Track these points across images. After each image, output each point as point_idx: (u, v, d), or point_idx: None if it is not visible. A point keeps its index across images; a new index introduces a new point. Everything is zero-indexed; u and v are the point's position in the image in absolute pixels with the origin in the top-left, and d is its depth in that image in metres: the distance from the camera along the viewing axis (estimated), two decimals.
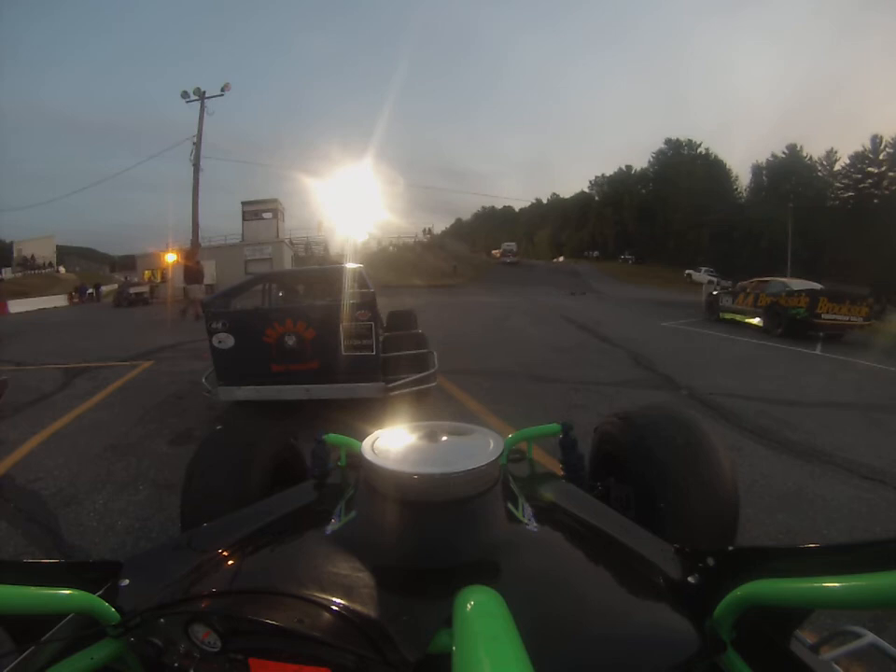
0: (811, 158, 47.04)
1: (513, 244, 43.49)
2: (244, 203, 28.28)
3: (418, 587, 0.60)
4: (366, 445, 0.76)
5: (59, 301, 24.60)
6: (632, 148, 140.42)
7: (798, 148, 47.65)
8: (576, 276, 32.48)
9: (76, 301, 25.81)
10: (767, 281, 10.77)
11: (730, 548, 0.62)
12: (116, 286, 25.20)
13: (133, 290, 21.27)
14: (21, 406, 4.37)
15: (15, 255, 38.41)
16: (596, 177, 65.76)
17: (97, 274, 41.64)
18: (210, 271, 21.29)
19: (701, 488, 1.10)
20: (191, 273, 12.55)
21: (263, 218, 27.56)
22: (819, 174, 46.21)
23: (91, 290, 28.50)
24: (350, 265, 4.24)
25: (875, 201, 40.14)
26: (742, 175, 53.15)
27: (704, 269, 34.94)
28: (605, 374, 5.34)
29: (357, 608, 0.54)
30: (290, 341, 3.60)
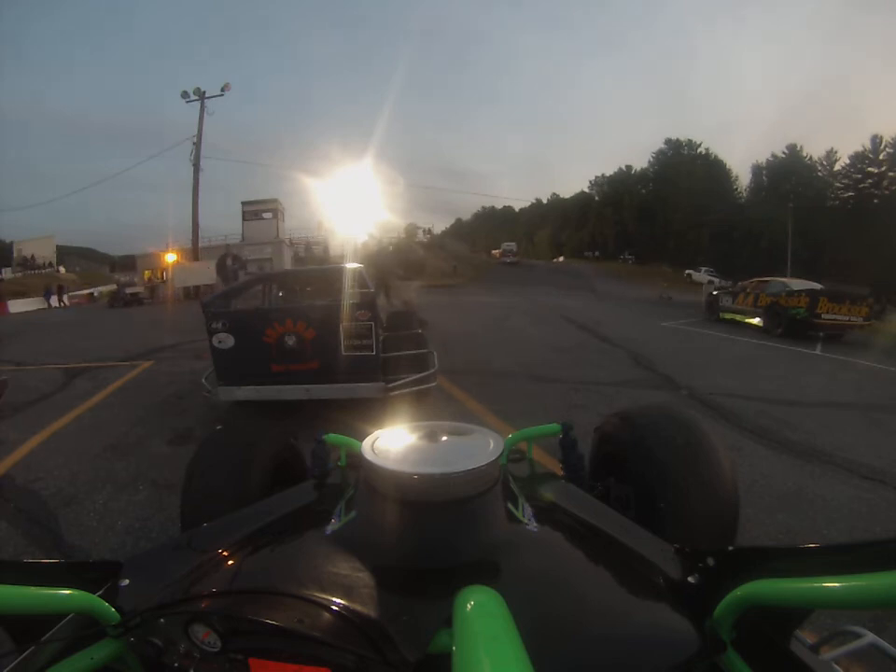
0: (811, 158, 47.06)
1: (513, 244, 43.45)
2: (244, 203, 28.26)
3: (418, 587, 0.60)
4: (366, 445, 0.76)
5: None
6: (632, 148, 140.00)
7: (798, 148, 47.65)
8: (579, 277, 32.49)
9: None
10: (767, 281, 10.78)
11: (730, 548, 0.62)
12: (115, 286, 24.79)
13: (128, 291, 21.55)
14: (21, 406, 4.37)
15: (15, 255, 38.40)
16: (596, 177, 65.75)
17: (98, 274, 41.62)
18: (210, 271, 21.32)
19: (701, 488, 1.10)
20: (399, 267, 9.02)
21: (263, 218, 27.57)
22: (819, 174, 46.20)
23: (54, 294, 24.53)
24: (350, 265, 4.23)
25: (875, 201, 40.12)
26: (742, 175, 53.20)
27: (704, 269, 34.97)
28: (605, 374, 5.34)
29: (357, 608, 0.54)
30: (290, 341, 3.60)
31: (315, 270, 8.51)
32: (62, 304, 24.10)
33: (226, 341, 3.59)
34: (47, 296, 24.45)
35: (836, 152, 45.46)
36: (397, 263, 8.98)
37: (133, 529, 2.24)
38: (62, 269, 39.42)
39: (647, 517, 1.08)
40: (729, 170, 53.07)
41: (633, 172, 59.89)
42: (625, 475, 1.23)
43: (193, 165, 23.14)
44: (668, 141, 55.53)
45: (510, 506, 0.74)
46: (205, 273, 21.17)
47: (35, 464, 3.05)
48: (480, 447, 0.76)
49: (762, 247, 40.25)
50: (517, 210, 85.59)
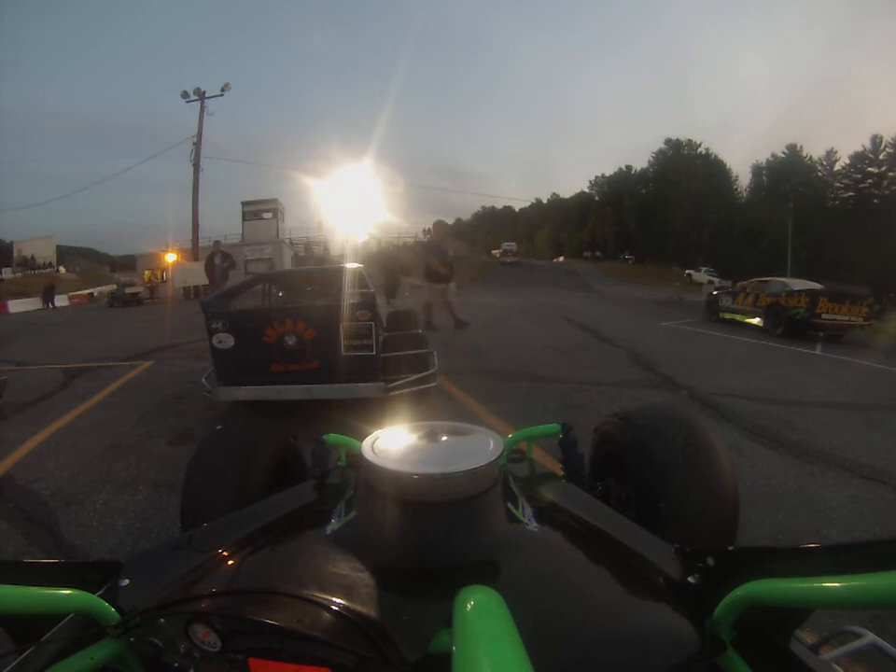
0: (811, 158, 47.16)
1: (513, 244, 43.32)
2: (244, 203, 28.28)
3: (418, 587, 0.60)
4: (366, 445, 0.76)
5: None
6: (632, 148, 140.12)
7: (798, 148, 47.75)
8: (576, 276, 32.51)
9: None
10: (767, 281, 10.77)
11: (730, 548, 0.62)
12: (114, 286, 24.95)
13: (128, 290, 21.90)
14: (20, 406, 4.37)
15: (15, 255, 38.44)
16: (596, 177, 65.80)
17: (98, 274, 41.64)
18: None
19: (701, 488, 1.10)
20: (438, 266, 8.20)
21: (263, 218, 27.57)
22: (819, 174, 46.29)
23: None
24: (350, 265, 4.23)
25: (875, 201, 40.19)
26: (742, 175, 53.33)
27: (704, 269, 35.07)
28: (605, 374, 5.34)
29: (357, 608, 0.54)
30: (290, 341, 3.60)
31: (315, 270, 8.50)
32: (51, 306, 23.49)
33: (226, 341, 3.59)
34: (44, 296, 24.13)
35: (836, 152, 45.62)
36: (437, 262, 8.23)
37: (133, 529, 2.24)
38: (62, 269, 39.44)
39: (647, 517, 1.08)
40: (729, 170, 53.24)
41: (633, 172, 59.94)
42: (625, 475, 1.23)
43: (193, 165, 23.18)
44: (668, 141, 55.64)
45: (510, 506, 0.74)
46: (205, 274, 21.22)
47: (35, 464, 3.05)
48: (480, 447, 0.76)
49: (762, 247, 40.30)
50: (517, 210, 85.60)
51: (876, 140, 42.45)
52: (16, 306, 22.10)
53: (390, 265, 11.62)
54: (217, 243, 11.50)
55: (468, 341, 7.72)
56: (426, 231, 42.83)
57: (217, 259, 10.38)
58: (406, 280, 11.08)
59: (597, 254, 55.14)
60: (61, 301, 24.71)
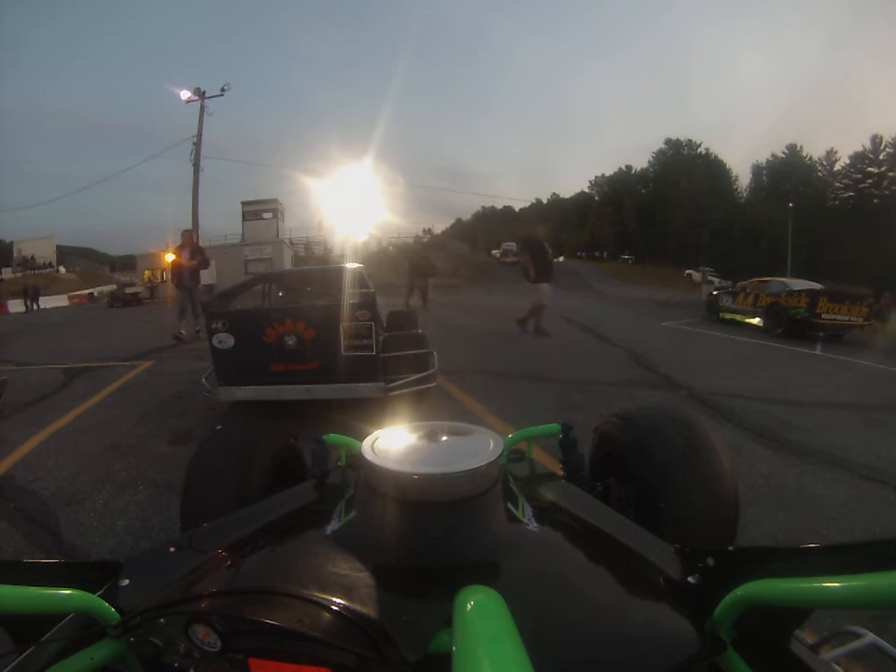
0: (811, 158, 47.24)
1: (513, 244, 43.34)
2: (244, 203, 28.31)
3: (418, 587, 0.60)
4: (366, 445, 0.76)
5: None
6: (632, 148, 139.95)
7: (798, 148, 47.84)
8: (576, 276, 32.51)
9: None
10: (767, 281, 10.80)
11: (730, 548, 0.62)
12: (114, 286, 25.19)
13: (128, 290, 22.21)
14: (20, 406, 4.37)
15: (15, 255, 38.53)
16: (596, 177, 65.93)
17: (98, 274, 41.70)
18: (210, 271, 21.40)
19: (701, 488, 1.10)
20: (545, 266, 7.81)
21: (263, 218, 27.59)
22: (819, 174, 46.36)
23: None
24: (350, 265, 4.23)
25: (875, 201, 40.26)
26: (742, 175, 53.43)
27: (704, 269, 35.11)
28: (605, 374, 5.34)
29: (357, 608, 0.54)
30: (290, 341, 3.60)
31: (315, 270, 8.50)
32: (31, 307, 22.82)
33: (226, 341, 3.59)
34: (26, 298, 23.47)
35: (836, 152, 45.71)
36: (543, 262, 7.85)
37: (133, 529, 2.24)
38: (62, 269, 39.50)
39: (647, 517, 1.08)
40: (729, 170, 53.35)
41: (633, 172, 60.00)
42: (625, 475, 1.23)
43: (193, 165, 23.14)
44: (668, 141, 55.72)
45: (510, 506, 0.74)
46: (205, 273, 21.25)
47: (35, 464, 3.04)
48: (480, 447, 0.76)
49: (762, 247, 40.33)
50: (517, 210, 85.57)
51: (876, 140, 42.54)
52: (14, 306, 22.18)
53: (417, 265, 11.28)
54: (187, 234, 8.71)
55: (468, 341, 7.72)
56: (425, 231, 42.91)
57: (186, 255, 8.14)
58: (431, 281, 10.88)
59: (601, 254, 55.10)
60: (55, 301, 24.67)
